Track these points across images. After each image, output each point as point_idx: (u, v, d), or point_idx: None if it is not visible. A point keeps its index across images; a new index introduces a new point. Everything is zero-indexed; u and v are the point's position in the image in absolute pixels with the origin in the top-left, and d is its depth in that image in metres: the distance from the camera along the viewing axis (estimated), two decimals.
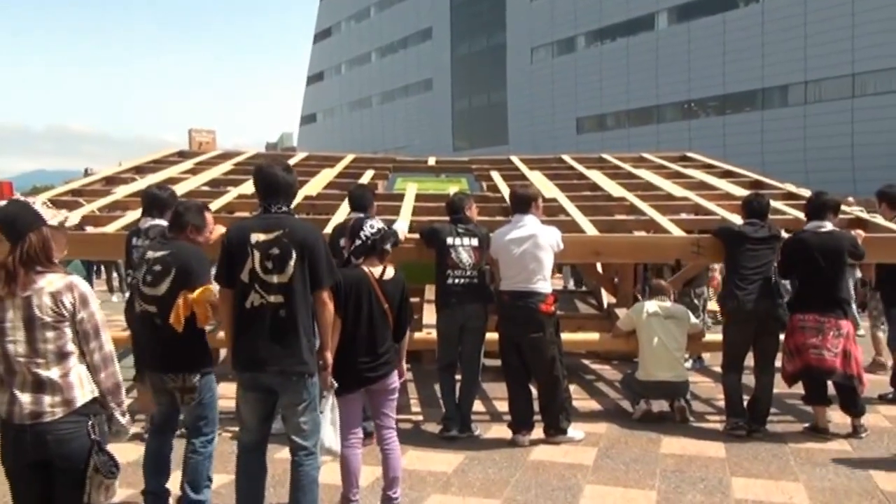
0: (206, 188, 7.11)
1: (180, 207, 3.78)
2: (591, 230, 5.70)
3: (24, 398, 2.38)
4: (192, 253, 3.53)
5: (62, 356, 2.43)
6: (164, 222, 4.47)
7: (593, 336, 6.07)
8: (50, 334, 2.41)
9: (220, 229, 5.19)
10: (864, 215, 6.27)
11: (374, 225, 3.69)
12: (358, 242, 3.63)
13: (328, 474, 4.13)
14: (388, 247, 3.68)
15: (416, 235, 5.27)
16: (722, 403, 5.28)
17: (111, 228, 5.31)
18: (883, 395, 5.88)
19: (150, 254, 3.57)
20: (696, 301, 7.09)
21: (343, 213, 5.91)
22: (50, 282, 2.44)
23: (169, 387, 3.45)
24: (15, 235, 2.46)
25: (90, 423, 2.44)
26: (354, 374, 3.51)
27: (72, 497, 2.44)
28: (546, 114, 40.41)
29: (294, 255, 3.14)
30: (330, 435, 3.36)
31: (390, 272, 3.63)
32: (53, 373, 2.41)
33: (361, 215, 4.88)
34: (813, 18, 28.88)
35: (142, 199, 4.86)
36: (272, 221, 3.21)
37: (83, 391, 2.45)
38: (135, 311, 3.64)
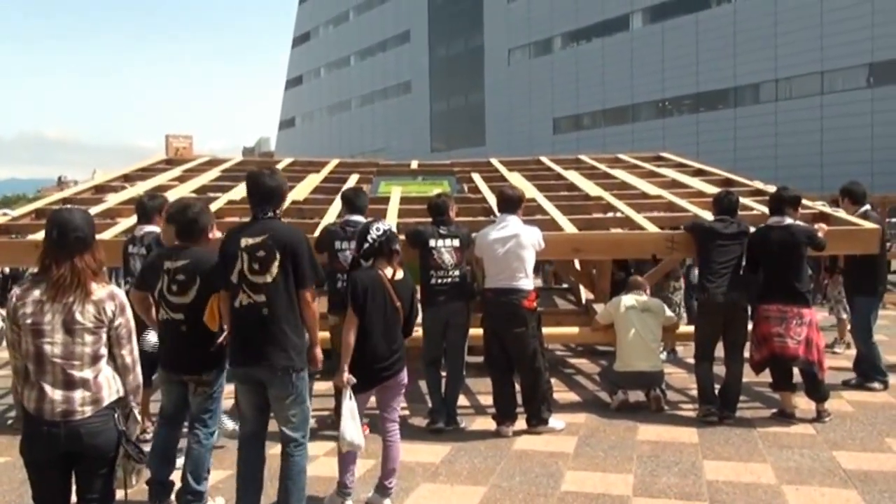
0: (193, 195, 7.23)
1: (191, 214, 3.76)
2: (569, 228, 5.92)
3: (56, 396, 2.50)
4: (211, 258, 3.61)
5: (96, 358, 2.57)
6: (157, 228, 4.62)
7: (573, 330, 6.31)
8: (89, 338, 2.55)
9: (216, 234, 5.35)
10: (828, 209, 6.56)
11: (380, 227, 3.81)
12: (366, 245, 3.75)
13: (323, 467, 4.32)
14: (396, 248, 3.79)
15: (402, 237, 5.47)
16: (694, 393, 5.53)
17: (106, 236, 5.42)
18: (847, 381, 6.17)
19: (169, 264, 3.64)
20: (672, 296, 7.34)
21: (331, 216, 6.09)
22: (94, 289, 2.57)
23: (185, 379, 3.63)
24: (82, 246, 2.58)
25: (116, 415, 2.60)
26: (372, 373, 3.69)
27: (97, 484, 2.60)
28: (523, 114, 40.73)
29: (278, 257, 3.33)
30: (351, 428, 3.50)
31: (400, 273, 3.78)
32: (87, 374, 2.54)
33: (359, 217, 5.09)
34: (783, 18, 29.50)
35: (136, 208, 5.00)
36: (259, 227, 3.42)
37: (110, 391, 2.60)
38: (159, 318, 3.75)
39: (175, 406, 3.73)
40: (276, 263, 3.33)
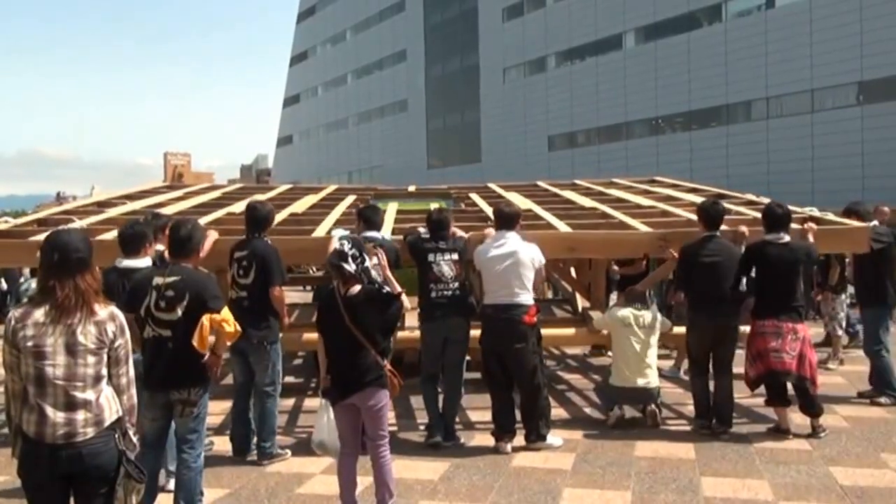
0: (193, 208, 7.24)
1: (183, 231, 3.76)
2: (564, 229, 5.94)
3: (58, 419, 2.48)
4: (203, 278, 3.62)
5: (98, 379, 2.57)
6: (160, 247, 4.61)
7: (569, 331, 6.31)
8: (91, 359, 2.54)
9: (214, 235, 5.33)
10: (816, 213, 6.57)
11: (344, 244, 3.83)
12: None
13: (323, 485, 4.32)
14: (343, 265, 3.71)
15: (400, 237, 5.49)
16: (690, 408, 5.57)
17: (108, 237, 5.31)
18: (862, 393, 6.19)
19: (158, 280, 3.59)
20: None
21: (325, 226, 6.13)
22: (97, 309, 2.57)
23: (173, 399, 3.55)
24: (83, 266, 2.58)
25: (116, 435, 2.59)
26: (336, 385, 3.75)
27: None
28: (518, 132, 40.99)
29: (255, 266, 4.72)
30: (322, 431, 3.75)
31: (355, 289, 3.70)
32: (89, 395, 2.53)
33: (374, 233, 5.18)
34: (773, 37, 29.86)
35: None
36: (247, 244, 4.85)
37: (111, 411, 2.60)
38: (144, 335, 3.65)
39: (157, 430, 3.63)
40: (253, 270, 4.72)
